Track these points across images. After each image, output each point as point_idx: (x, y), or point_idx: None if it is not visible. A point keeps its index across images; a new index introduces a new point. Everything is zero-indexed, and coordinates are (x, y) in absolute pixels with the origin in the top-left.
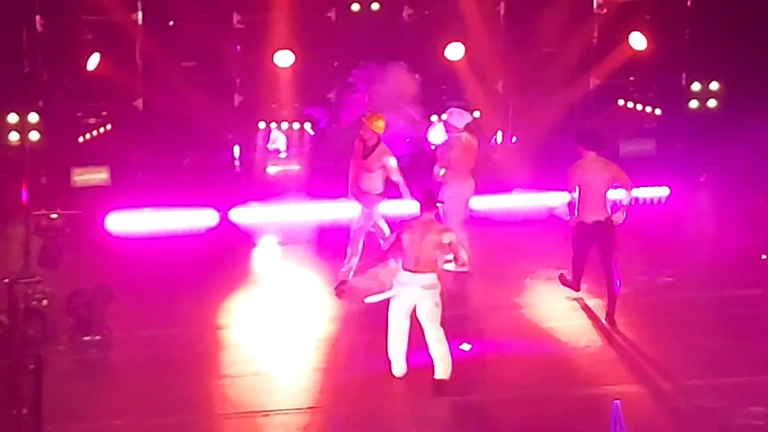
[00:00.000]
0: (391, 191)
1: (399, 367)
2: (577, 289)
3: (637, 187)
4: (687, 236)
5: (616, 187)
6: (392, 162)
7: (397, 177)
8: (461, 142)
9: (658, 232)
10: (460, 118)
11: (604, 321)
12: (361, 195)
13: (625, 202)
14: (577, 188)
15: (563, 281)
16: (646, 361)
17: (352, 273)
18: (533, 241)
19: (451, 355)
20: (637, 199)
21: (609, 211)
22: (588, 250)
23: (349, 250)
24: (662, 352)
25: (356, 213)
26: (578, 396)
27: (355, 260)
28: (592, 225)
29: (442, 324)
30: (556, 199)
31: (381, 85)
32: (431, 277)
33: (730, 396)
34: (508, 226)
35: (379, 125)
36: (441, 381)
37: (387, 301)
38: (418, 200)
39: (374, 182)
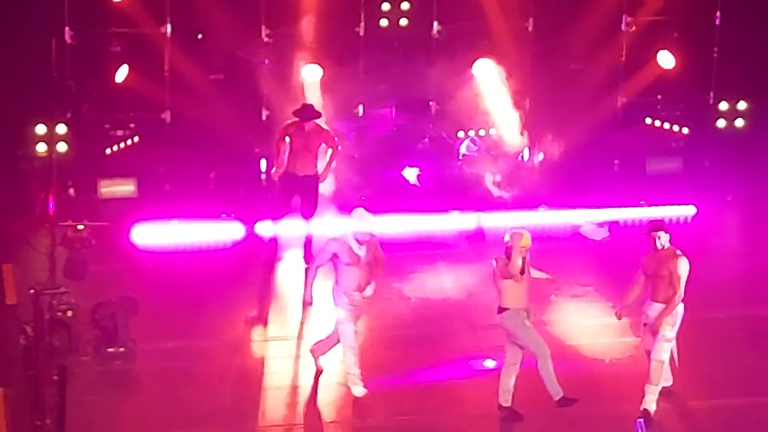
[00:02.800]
0: None
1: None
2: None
3: (664, 205)
4: (714, 255)
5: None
6: None
7: None
8: None
9: (685, 251)
10: None
11: (629, 339)
12: None
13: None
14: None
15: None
16: (674, 379)
17: None
18: (558, 259)
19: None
20: (663, 219)
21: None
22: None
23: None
24: (688, 371)
25: None
26: (602, 414)
27: None
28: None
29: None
30: (582, 217)
31: None
32: None
33: (759, 416)
34: (534, 243)
35: None
36: None
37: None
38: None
39: None
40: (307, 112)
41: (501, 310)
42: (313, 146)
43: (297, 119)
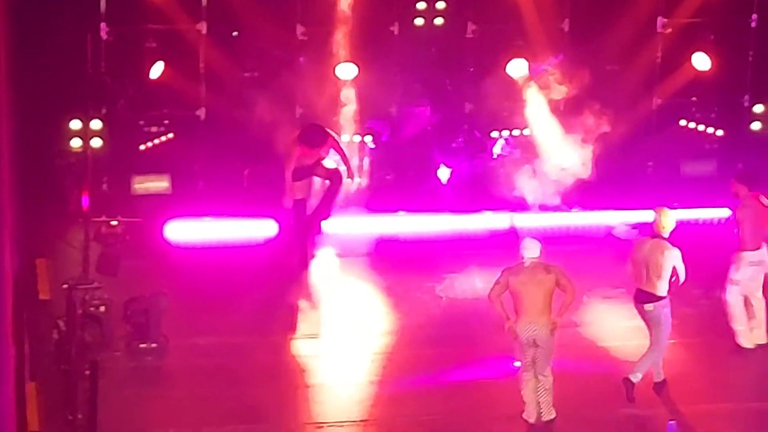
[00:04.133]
0: None
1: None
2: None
3: (698, 207)
4: None
5: None
6: None
7: None
8: None
9: (718, 254)
10: None
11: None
12: None
13: None
14: None
15: None
16: (702, 382)
17: None
18: (591, 260)
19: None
20: (697, 220)
21: None
22: None
23: None
24: (720, 374)
25: None
26: (634, 415)
27: None
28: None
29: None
30: (615, 219)
31: None
32: None
33: None
34: (567, 245)
35: None
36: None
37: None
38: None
39: None
40: (315, 139)
41: (658, 298)
42: (322, 155)
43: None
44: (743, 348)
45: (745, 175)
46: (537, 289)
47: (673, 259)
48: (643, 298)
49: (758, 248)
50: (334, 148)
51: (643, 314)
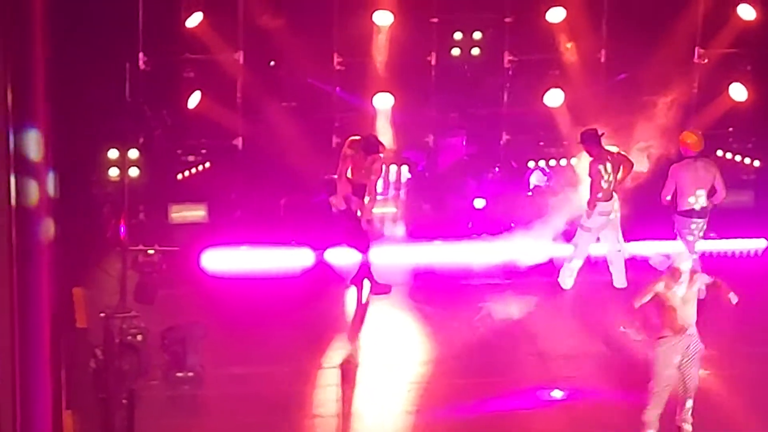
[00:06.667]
0: None
1: None
2: None
3: (734, 238)
4: None
5: None
6: None
7: None
8: None
9: (754, 284)
10: None
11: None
12: None
13: None
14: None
15: None
16: (733, 414)
17: None
18: (624, 289)
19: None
20: (733, 252)
21: None
22: None
23: None
24: (749, 406)
25: None
26: None
27: None
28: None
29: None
30: (651, 249)
31: None
32: None
33: None
34: (599, 274)
35: None
36: None
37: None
38: None
39: None
40: (372, 145)
41: (708, 210)
42: (367, 164)
43: (357, 141)
44: None
45: (587, 135)
46: (693, 300)
47: (717, 172)
48: (699, 213)
49: (608, 199)
50: (375, 170)
51: (694, 230)
